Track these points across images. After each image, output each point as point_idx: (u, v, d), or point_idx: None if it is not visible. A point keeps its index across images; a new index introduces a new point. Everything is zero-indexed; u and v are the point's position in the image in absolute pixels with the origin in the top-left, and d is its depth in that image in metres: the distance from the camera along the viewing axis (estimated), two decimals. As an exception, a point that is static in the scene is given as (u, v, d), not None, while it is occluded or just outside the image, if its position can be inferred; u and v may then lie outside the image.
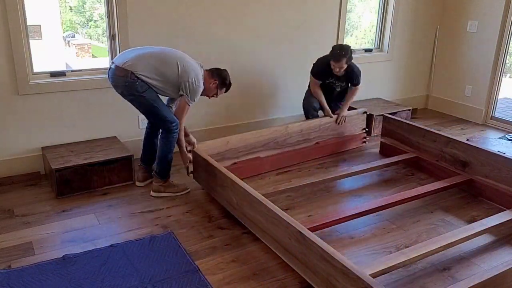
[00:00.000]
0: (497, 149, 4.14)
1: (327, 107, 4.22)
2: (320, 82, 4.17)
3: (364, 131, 4.51)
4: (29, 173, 3.62)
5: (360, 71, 4.17)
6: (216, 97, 3.49)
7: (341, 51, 3.91)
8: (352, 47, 4.04)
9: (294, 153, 4.03)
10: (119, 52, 3.75)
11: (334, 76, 4.14)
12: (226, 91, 3.48)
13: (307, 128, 4.11)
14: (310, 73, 4.21)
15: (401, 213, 3.24)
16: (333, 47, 4.01)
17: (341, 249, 2.77)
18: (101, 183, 3.47)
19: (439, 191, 3.43)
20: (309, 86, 4.31)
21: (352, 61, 4.07)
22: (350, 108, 4.47)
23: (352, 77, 4.16)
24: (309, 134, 4.13)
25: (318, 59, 4.17)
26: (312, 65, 4.21)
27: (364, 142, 4.52)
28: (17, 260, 2.60)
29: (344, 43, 4.49)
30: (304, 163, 4.08)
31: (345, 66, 3.97)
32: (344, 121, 4.26)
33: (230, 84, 3.45)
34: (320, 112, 4.32)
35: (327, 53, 4.02)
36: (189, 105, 3.23)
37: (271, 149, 3.89)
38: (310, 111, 4.25)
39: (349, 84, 4.25)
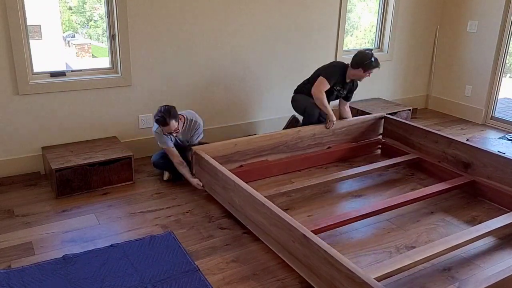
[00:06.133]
0: (497, 149, 4.14)
1: (333, 114, 3.98)
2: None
3: (380, 136, 4.36)
4: (29, 173, 3.62)
5: None
6: (170, 134, 3.44)
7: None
8: (352, 47, 4.01)
9: (304, 157, 3.92)
10: (119, 52, 3.75)
11: (342, 85, 4.03)
12: (163, 125, 3.35)
13: (320, 132, 4.01)
14: (321, 76, 3.89)
15: (401, 213, 3.23)
16: (367, 54, 3.85)
17: (341, 249, 2.77)
18: (101, 183, 3.47)
19: (441, 193, 3.41)
20: (302, 89, 4.07)
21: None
22: (357, 111, 4.52)
23: (353, 89, 4.14)
24: (322, 139, 4.04)
25: (333, 65, 4.00)
26: (323, 68, 3.96)
27: (379, 148, 4.36)
28: (17, 260, 2.60)
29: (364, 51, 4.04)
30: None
31: None
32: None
33: (157, 119, 3.35)
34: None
35: (327, 53, 3.99)
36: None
37: (280, 153, 3.83)
38: (316, 116, 4.01)
39: (342, 98, 4.15)
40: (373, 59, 3.85)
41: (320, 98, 3.89)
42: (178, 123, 3.42)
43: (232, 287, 2.44)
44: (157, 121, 3.36)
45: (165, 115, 3.32)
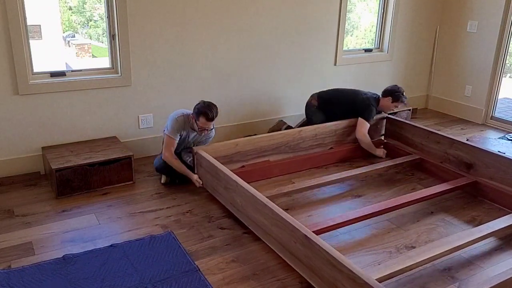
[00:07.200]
0: (497, 149, 4.14)
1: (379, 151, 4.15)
2: None
3: (382, 137, 4.36)
4: (29, 173, 3.62)
5: None
6: (201, 129, 3.43)
7: None
8: (352, 47, 4.03)
9: (305, 158, 3.91)
10: (119, 52, 3.75)
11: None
12: (206, 118, 3.33)
13: (322, 133, 4.01)
14: (363, 119, 4.04)
15: (401, 213, 3.23)
16: (399, 88, 4.12)
17: (341, 249, 2.77)
18: (101, 183, 3.47)
19: (444, 193, 3.40)
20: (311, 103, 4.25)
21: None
22: None
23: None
24: (324, 139, 4.04)
25: (371, 104, 4.09)
26: (366, 106, 4.07)
27: (381, 148, 4.27)
28: (17, 260, 2.60)
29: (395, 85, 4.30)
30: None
31: None
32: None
33: (204, 111, 3.33)
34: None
35: (328, 53, 3.98)
36: (165, 135, 3.50)
37: (282, 153, 3.82)
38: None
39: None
40: (403, 93, 4.11)
41: (367, 142, 4.07)
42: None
43: (232, 287, 2.44)
44: (204, 113, 3.32)
45: (215, 112, 3.36)
